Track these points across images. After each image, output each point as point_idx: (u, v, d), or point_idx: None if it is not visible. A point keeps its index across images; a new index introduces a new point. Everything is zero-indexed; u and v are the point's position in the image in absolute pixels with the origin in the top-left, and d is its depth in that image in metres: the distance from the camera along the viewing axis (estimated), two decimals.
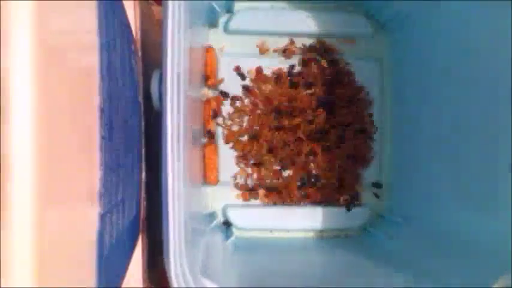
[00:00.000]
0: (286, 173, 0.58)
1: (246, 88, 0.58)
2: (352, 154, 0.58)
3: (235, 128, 0.57)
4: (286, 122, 0.57)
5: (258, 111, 0.57)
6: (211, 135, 0.57)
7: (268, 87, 0.58)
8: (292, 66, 0.58)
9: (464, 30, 0.44)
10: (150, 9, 0.50)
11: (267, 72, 0.58)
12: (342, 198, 0.58)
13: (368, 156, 0.59)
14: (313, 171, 0.58)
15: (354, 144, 0.58)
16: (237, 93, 0.58)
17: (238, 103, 0.57)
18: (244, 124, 0.57)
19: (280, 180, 0.58)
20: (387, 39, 0.60)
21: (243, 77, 0.58)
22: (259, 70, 0.58)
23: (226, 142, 0.57)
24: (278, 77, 0.58)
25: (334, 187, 0.58)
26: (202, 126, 0.56)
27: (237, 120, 0.57)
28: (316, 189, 0.58)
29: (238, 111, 0.57)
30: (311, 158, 0.58)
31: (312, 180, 0.58)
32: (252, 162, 0.58)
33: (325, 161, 0.58)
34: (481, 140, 0.41)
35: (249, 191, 0.58)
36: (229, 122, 0.57)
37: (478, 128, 0.42)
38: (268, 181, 0.58)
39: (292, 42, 0.59)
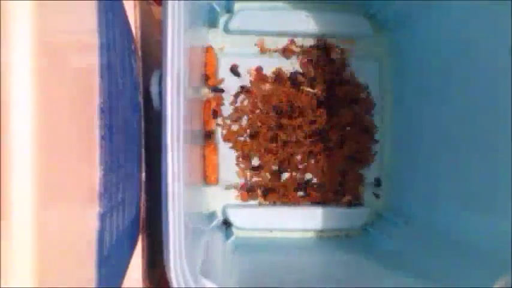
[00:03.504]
0: (285, 175, 0.58)
1: (244, 88, 0.58)
2: (353, 155, 0.59)
3: (234, 127, 0.57)
4: (285, 122, 0.57)
5: (258, 111, 0.57)
6: (211, 135, 0.57)
7: (267, 87, 0.58)
8: (295, 73, 0.58)
9: (464, 30, 0.44)
10: (150, 9, 0.50)
11: (267, 72, 0.58)
12: (344, 199, 0.58)
13: (368, 156, 0.59)
14: (313, 174, 0.58)
15: (355, 144, 0.59)
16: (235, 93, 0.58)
17: (238, 102, 0.58)
18: (244, 124, 0.58)
19: (278, 183, 0.58)
20: (387, 39, 0.60)
21: (237, 74, 0.57)
22: (259, 69, 0.58)
23: (225, 140, 0.57)
24: (278, 76, 0.58)
25: (335, 189, 0.58)
26: (203, 126, 0.56)
27: (236, 119, 0.57)
28: (317, 190, 0.58)
29: (238, 111, 0.57)
30: (311, 160, 0.58)
31: (313, 181, 0.58)
32: (252, 165, 0.58)
33: (325, 162, 0.58)
34: (481, 140, 0.41)
35: (248, 191, 0.58)
36: (228, 122, 0.57)
37: (478, 128, 0.42)
38: (266, 182, 0.58)
39: (292, 42, 0.59)
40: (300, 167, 0.58)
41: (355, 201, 0.58)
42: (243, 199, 0.58)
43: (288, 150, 0.57)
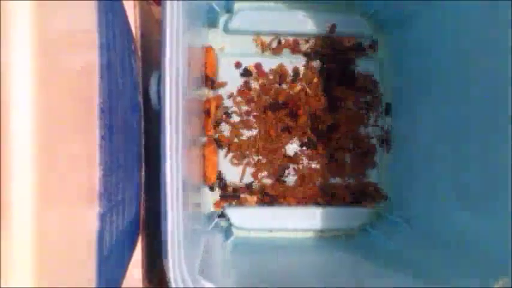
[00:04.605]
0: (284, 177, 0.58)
1: (245, 84, 0.57)
2: (357, 155, 0.59)
3: (228, 129, 0.57)
4: (287, 121, 0.57)
5: (256, 110, 0.57)
6: (210, 136, 0.57)
7: (265, 82, 0.58)
8: (296, 69, 0.58)
9: (464, 30, 0.44)
10: (150, 9, 0.50)
11: (267, 70, 0.58)
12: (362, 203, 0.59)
13: (372, 156, 0.59)
14: (315, 176, 0.58)
15: (361, 144, 0.59)
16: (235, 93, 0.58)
17: (233, 100, 0.57)
18: (241, 124, 0.58)
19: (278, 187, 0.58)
20: (387, 39, 0.60)
21: (245, 72, 0.57)
22: (258, 66, 0.58)
23: (220, 147, 0.57)
24: (280, 74, 0.58)
25: (342, 191, 0.59)
26: (202, 126, 0.56)
27: (232, 122, 0.57)
28: (319, 193, 0.58)
29: (236, 112, 0.57)
30: (312, 161, 0.58)
31: (315, 184, 0.58)
32: (248, 167, 0.57)
33: (327, 163, 0.58)
34: (480, 140, 0.41)
35: (223, 198, 0.57)
36: (223, 129, 0.57)
37: (477, 128, 0.42)
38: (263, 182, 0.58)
39: (293, 41, 0.59)
40: (300, 168, 0.58)
41: (361, 200, 0.59)
42: (216, 207, 0.57)
43: (288, 151, 0.58)
